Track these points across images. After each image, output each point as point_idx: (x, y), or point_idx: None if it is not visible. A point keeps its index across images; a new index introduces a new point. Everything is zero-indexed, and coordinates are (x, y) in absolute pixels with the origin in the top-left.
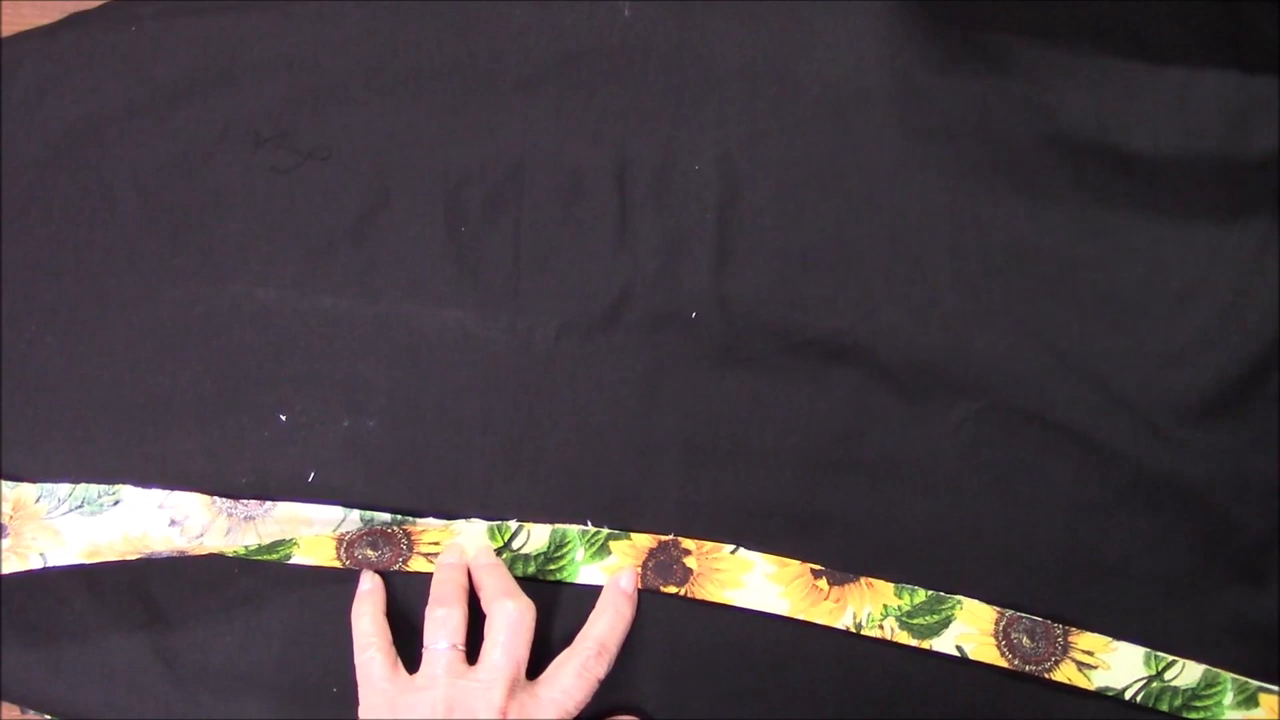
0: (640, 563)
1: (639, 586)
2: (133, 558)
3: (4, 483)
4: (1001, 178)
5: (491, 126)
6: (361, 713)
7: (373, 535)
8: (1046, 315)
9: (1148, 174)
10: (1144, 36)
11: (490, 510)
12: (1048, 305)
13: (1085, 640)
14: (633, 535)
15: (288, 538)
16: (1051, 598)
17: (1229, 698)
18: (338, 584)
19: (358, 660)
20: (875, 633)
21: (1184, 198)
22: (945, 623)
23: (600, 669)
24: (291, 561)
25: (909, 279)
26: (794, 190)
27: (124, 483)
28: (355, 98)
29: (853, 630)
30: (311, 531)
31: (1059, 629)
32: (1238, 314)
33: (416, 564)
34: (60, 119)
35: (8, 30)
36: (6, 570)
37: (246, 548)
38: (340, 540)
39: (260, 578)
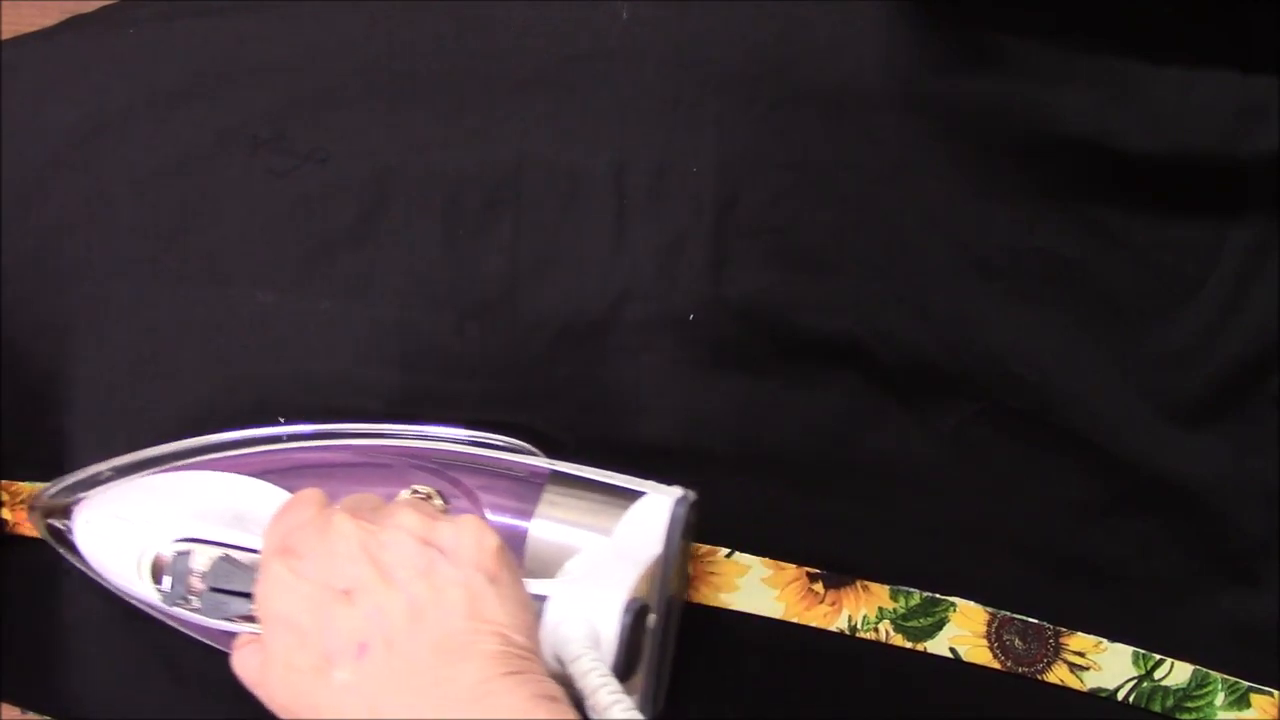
0: None
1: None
2: None
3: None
4: (1001, 178)
5: (489, 129)
6: None
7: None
8: (1046, 315)
9: (1148, 174)
10: (1144, 36)
11: None
12: (1047, 305)
13: (1076, 641)
14: None
15: None
16: (1049, 598)
17: (1220, 698)
18: None
19: None
20: (870, 635)
21: (1184, 198)
22: (939, 625)
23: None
24: None
25: (909, 279)
26: (792, 191)
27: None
28: (353, 100)
29: (847, 633)
30: None
31: (1050, 630)
32: (1237, 314)
33: None
34: (59, 121)
35: (8, 31)
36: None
37: None
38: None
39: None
